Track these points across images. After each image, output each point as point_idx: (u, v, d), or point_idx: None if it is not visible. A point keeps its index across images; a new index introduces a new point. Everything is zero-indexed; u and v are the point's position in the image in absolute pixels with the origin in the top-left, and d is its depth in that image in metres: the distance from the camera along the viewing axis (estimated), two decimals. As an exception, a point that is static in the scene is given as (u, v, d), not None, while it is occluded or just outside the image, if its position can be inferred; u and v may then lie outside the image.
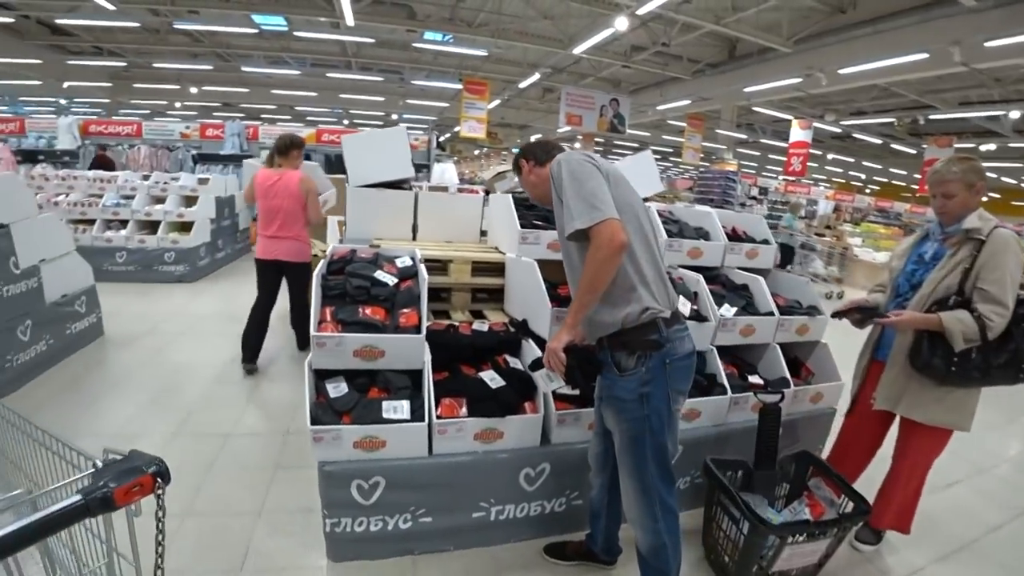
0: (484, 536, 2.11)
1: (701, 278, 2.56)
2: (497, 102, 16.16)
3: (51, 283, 3.81)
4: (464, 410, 1.93)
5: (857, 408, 2.32)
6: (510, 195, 2.79)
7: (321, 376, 2.01)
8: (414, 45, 11.79)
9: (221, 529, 2.22)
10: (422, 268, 2.29)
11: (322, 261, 2.21)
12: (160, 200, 6.72)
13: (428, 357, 1.98)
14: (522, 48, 12.09)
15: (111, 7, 8.51)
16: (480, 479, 2.00)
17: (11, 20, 10.54)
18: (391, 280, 2.17)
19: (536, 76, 12.63)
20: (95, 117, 11.95)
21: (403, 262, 2.39)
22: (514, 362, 2.18)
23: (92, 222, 6.37)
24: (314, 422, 1.82)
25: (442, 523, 2.02)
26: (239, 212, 8.06)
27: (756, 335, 2.61)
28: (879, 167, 22.10)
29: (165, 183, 6.85)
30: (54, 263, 3.88)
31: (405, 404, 1.88)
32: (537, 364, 1.75)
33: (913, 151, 16.70)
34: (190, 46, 13.63)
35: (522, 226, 2.55)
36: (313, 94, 17.66)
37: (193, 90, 16.77)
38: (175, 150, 9.91)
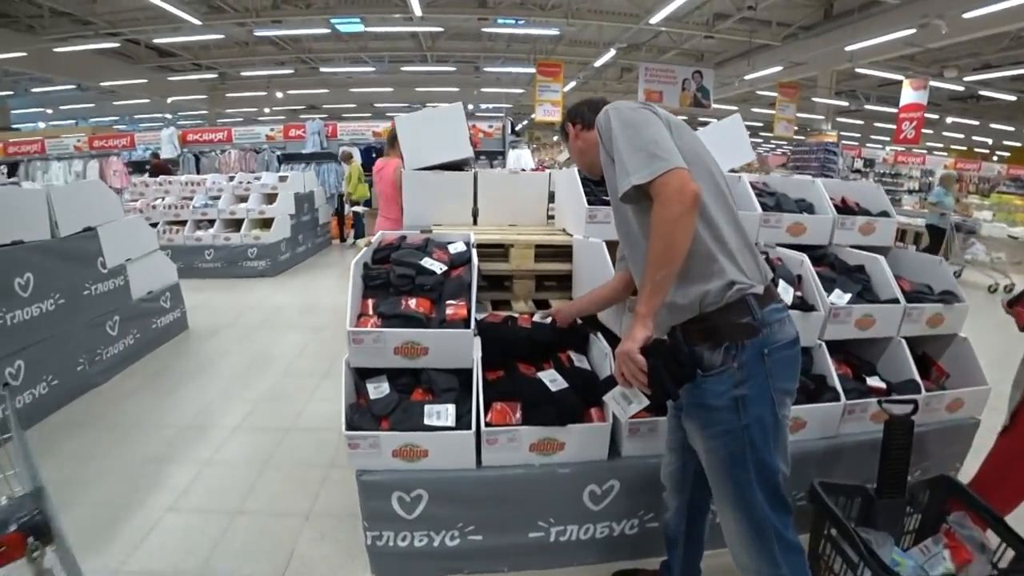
0: (543, 558, 1.85)
1: (806, 258, 2.13)
2: (573, 84, 15.65)
3: (137, 281, 4.02)
4: (519, 415, 1.67)
5: (1019, 426, 1.81)
6: (575, 169, 2.48)
7: (364, 375, 1.83)
8: (484, 30, 11.63)
9: (269, 530, 2.14)
10: (474, 254, 2.05)
11: (364, 249, 2.03)
12: (244, 199, 7.04)
13: (479, 354, 1.73)
14: (597, 27, 11.58)
15: (197, 22, 9.03)
16: (537, 496, 1.74)
17: (117, 45, 11.55)
18: (439, 268, 1.94)
19: (612, 53, 12.02)
20: (193, 127, 12.91)
21: (456, 248, 2.16)
22: (579, 360, 1.89)
23: (185, 223, 6.81)
24: (349, 427, 1.64)
25: (494, 542, 1.79)
26: (319, 208, 8.32)
27: (876, 327, 2.12)
28: (1011, 128, 19.09)
29: (248, 183, 7.19)
30: (139, 262, 4.09)
31: (450, 409, 1.66)
32: (607, 384, 1.35)
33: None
34: (275, 55, 14.40)
35: (589, 203, 2.24)
36: (389, 89, 18.10)
37: (279, 95, 17.76)
38: (261, 152, 10.46)
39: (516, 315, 2.03)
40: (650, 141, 1.20)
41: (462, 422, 1.65)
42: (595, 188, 2.45)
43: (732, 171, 2.83)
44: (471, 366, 1.73)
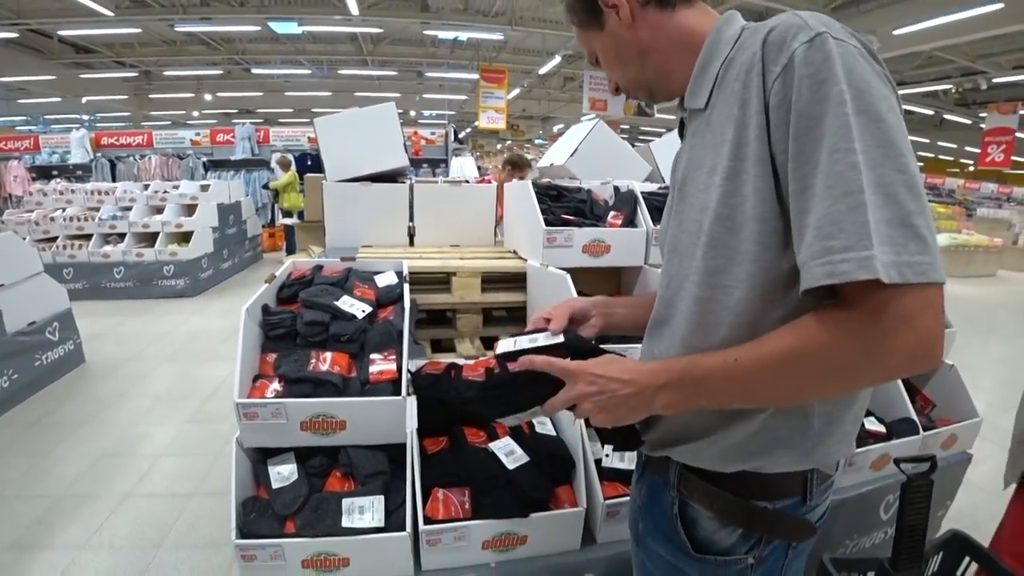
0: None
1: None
2: (517, 91, 15.46)
3: (13, 310, 3.37)
4: (468, 505, 1.30)
5: None
6: (529, 182, 2.15)
7: (268, 453, 1.40)
8: (427, 33, 11.20)
9: None
10: (406, 289, 1.67)
11: (265, 286, 1.60)
12: (160, 210, 6.31)
13: (413, 424, 1.35)
14: (540, 36, 11.40)
15: (109, 14, 8.16)
16: (494, 602, 1.37)
17: (15, 35, 10.35)
18: (360, 310, 1.54)
19: (557, 60, 11.88)
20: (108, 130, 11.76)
21: (384, 280, 1.76)
22: (542, 424, 1.54)
23: (90, 236, 6.02)
24: (242, 534, 1.22)
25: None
26: (247, 219, 7.63)
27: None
28: (926, 141, 20.46)
29: (165, 192, 6.45)
30: (16, 287, 3.43)
31: (376, 501, 1.26)
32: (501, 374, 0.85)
33: (968, 121, 15.27)
34: (206, 54, 13.37)
35: (547, 223, 1.90)
36: (328, 94, 17.28)
37: (208, 97, 16.60)
38: (186, 158, 9.60)
39: (461, 362, 1.66)
40: (916, 194, 0.56)
41: (393, 518, 1.25)
42: (552, 204, 2.12)
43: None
44: (403, 440, 1.34)
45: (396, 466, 1.35)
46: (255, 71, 14.00)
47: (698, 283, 0.73)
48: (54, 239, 6.03)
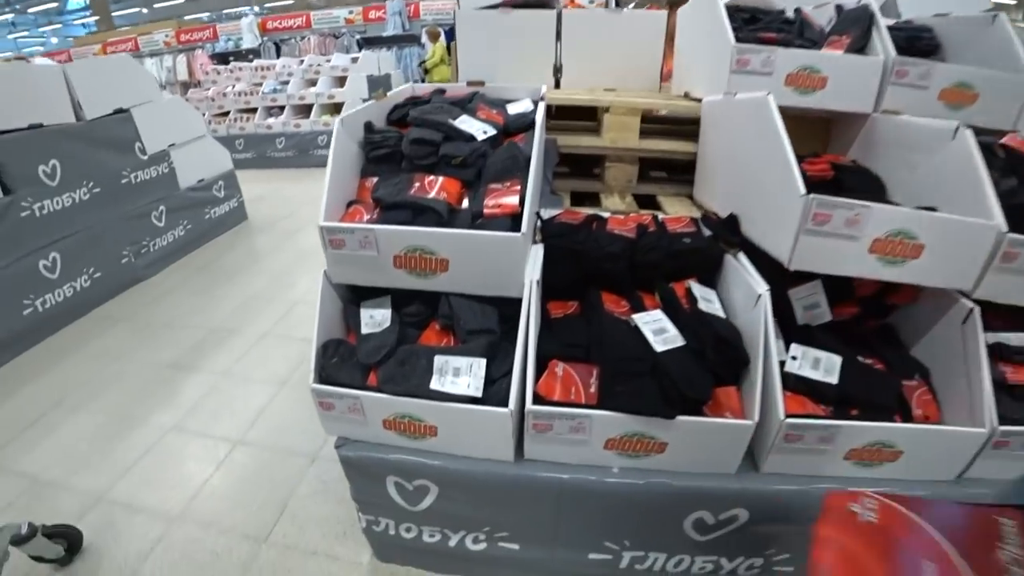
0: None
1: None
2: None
3: (184, 168, 3.65)
4: (594, 388, 0.97)
5: None
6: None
7: (363, 295, 1.19)
8: None
9: (264, 472, 1.74)
10: (541, 113, 1.27)
11: (372, 101, 1.31)
12: (314, 83, 6.49)
13: (535, 274, 1.02)
14: None
15: None
16: (610, 512, 1.07)
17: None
18: (481, 131, 1.19)
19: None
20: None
21: (518, 108, 1.38)
22: (707, 298, 1.12)
23: (255, 110, 6.44)
24: (321, 378, 1.04)
25: (535, 555, 1.18)
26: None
27: None
28: None
29: (318, 65, 6.59)
30: (185, 148, 3.68)
31: (476, 365, 0.98)
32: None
33: None
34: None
35: (738, 39, 1.35)
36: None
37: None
38: (340, 36, 9.80)
39: (607, 214, 1.27)
40: None
41: (495, 390, 0.97)
42: (746, 26, 1.53)
43: None
44: (520, 294, 1.02)
45: (509, 327, 1.05)
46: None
47: None
48: (227, 114, 6.56)
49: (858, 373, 1.08)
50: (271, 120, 6.31)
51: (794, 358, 1.10)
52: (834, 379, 1.07)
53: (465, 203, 1.10)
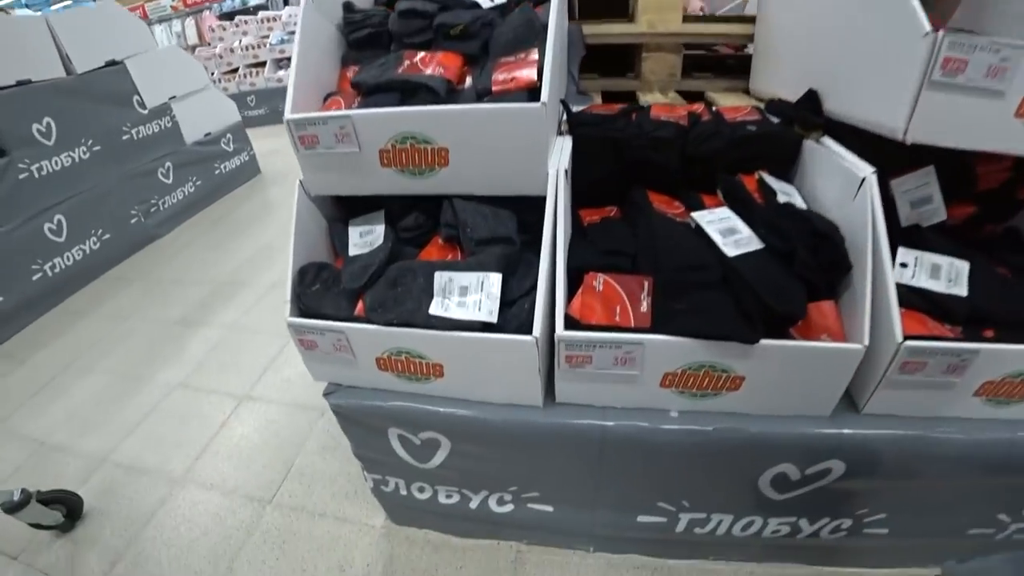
0: (659, 546, 1.03)
1: None
2: None
3: (188, 122, 3.47)
4: (644, 306, 0.74)
5: None
6: None
7: (354, 210, 0.97)
8: None
9: (271, 428, 1.61)
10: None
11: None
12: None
13: (565, 163, 0.78)
14: None
15: None
16: (667, 468, 0.85)
17: None
18: (486, -2, 0.93)
19: None
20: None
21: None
22: (784, 191, 0.85)
23: (264, 64, 6.21)
24: (300, 311, 0.83)
25: (572, 517, 0.98)
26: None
27: None
28: None
29: (326, 10, 6.26)
30: (187, 100, 3.48)
31: (488, 281, 0.75)
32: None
33: None
34: None
35: None
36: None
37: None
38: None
39: (646, 106, 1.00)
40: None
41: (513, 313, 0.75)
42: None
43: None
44: (543, 191, 0.78)
45: (531, 238, 0.82)
46: None
47: None
48: (236, 70, 6.32)
49: (993, 283, 0.82)
50: (281, 72, 6.08)
51: (904, 265, 0.84)
52: (962, 291, 0.81)
53: (468, 82, 0.85)
